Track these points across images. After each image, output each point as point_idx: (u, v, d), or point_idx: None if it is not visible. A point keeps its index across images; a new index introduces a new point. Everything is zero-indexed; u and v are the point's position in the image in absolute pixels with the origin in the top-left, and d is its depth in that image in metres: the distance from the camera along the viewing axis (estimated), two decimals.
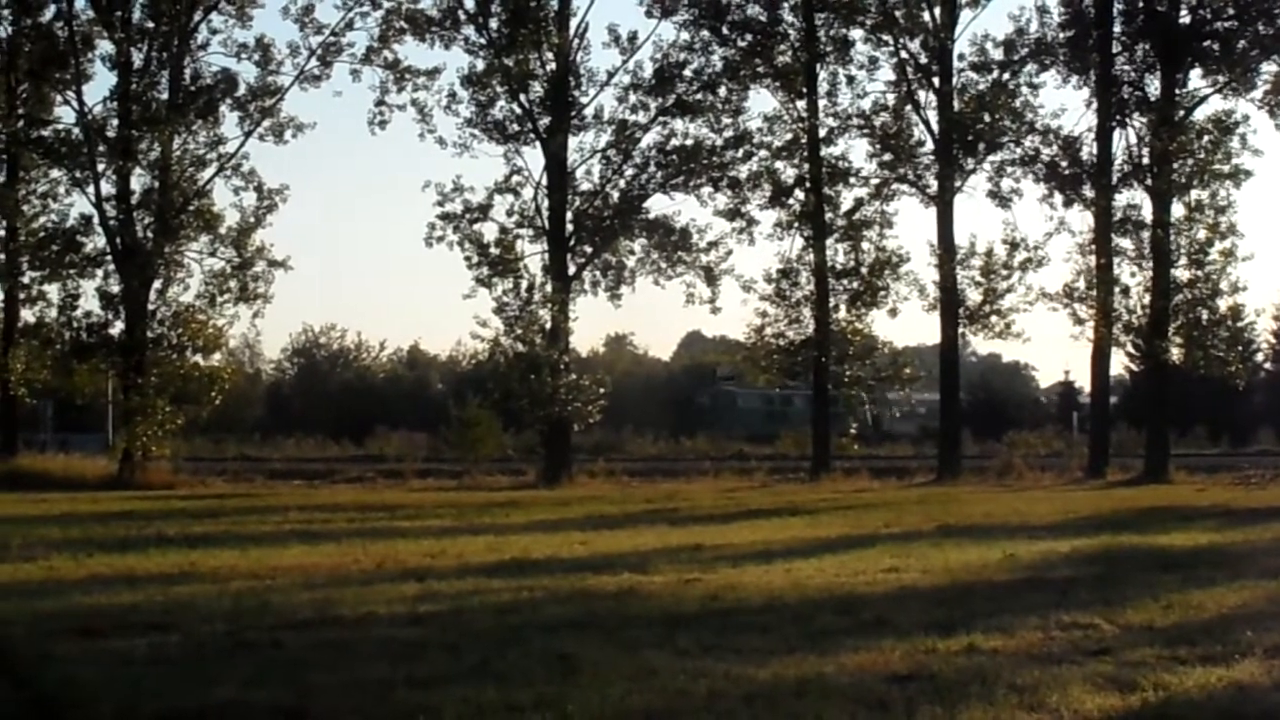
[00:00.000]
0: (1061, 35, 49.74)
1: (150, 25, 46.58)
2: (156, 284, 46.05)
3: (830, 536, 23.66)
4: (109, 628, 12.75)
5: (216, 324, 46.88)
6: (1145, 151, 48.98)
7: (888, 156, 49.95)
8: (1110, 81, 49.02)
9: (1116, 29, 49.88)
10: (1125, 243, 49.34)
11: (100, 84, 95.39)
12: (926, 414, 72.72)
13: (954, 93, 49.34)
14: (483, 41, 47.71)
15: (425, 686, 10.03)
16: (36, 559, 18.90)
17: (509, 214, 47.42)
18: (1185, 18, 49.33)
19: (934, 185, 49.28)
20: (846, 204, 49.98)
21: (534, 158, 48.27)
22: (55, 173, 47.74)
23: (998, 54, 49.55)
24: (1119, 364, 63.96)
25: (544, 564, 18.47)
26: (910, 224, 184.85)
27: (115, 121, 46.62)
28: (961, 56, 49.56)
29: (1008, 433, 63.41)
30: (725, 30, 49.30)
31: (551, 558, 19.37)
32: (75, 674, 10.63)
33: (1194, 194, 48.74)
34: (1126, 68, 49.92)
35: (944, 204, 49.15)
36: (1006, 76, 49.60)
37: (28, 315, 48.54)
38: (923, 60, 49.55)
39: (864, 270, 49.17)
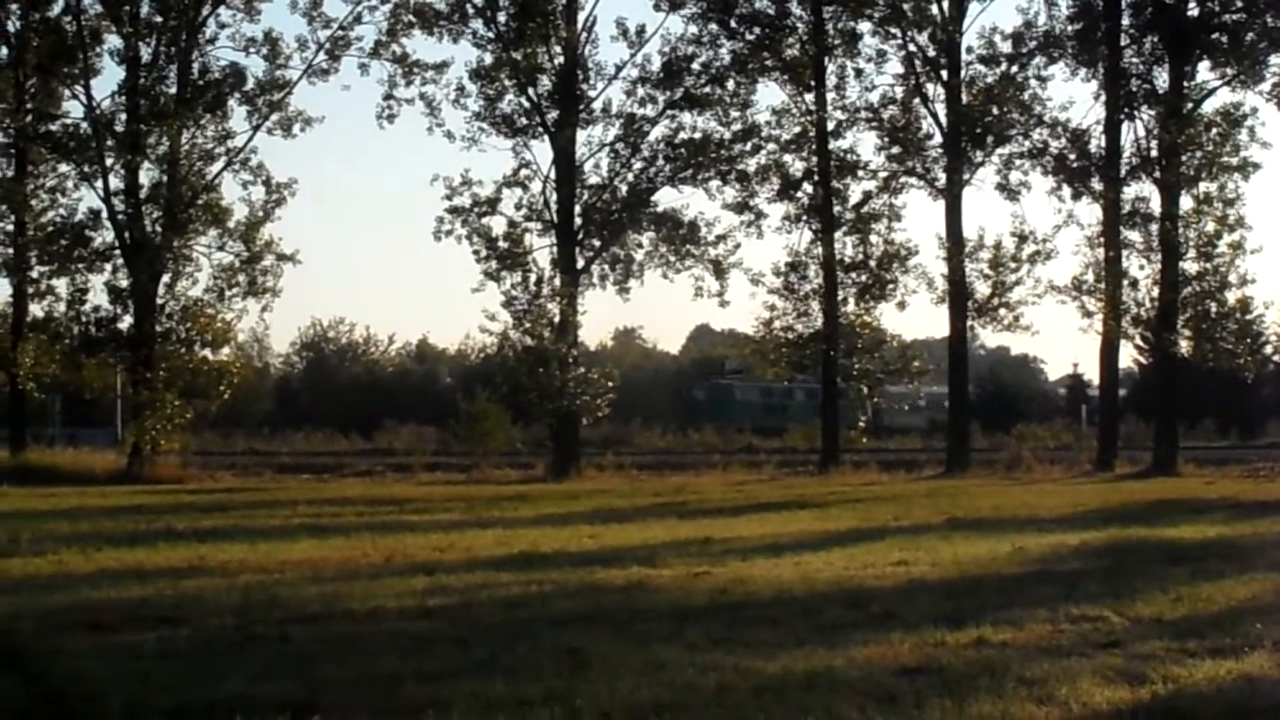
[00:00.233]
0: (1070, 28, 49.72)
1: (159, 20, 46.64)
2: (165, 278, 46.13)
3: (839, 530, 23.66)
4: (118, 622, 12.75)
5: (225, 318, 47.03)
6: (1154, 144, 48.96)
7: (896, 149, 49.99)
8: (1119, 74, 48.95)
9: (1125, 21, 49.84)
10: (1134, 235, 49.38)
11: (109, 78, 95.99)
12: (927, 405, 72.89)
13: (962, 86, 49.30)
14: (491, 35, 47.80)
15: (434, 680, 10.03)
16: (46, 553, 18.89)
17: (517, 208, 47.56)
18: (1194, 10, 49.26)
19: (942, 178, 49.32)
20: (855, 197, 50.12)
21: (542, 151, 48.37)
22: (64, 167, 47.82)
23: (1006, 47, 49.59)
24: (1128, 357, 64.17)
25: (553, 558, 18.46)
26: (919, 217, 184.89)
27: (124, 116, 46.74)
28: (970, 49, 49.67)
29: (1016, 426, 63.47)
30: (733, 23, 49.35)
31: (560, 551, 19.36)
32: (84, 668, 10.63)
33: (1202, 186, 48.71)
34: (1135, 60, 49.89)
35: (952, 197, 49.17)
36: (1015, 69, 49.59)
37: (36, 310, 48.72)
38: (931, 53, 49.57)
39: (872, 263, 49.20)
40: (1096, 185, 49.14)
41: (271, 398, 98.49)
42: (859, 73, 49.69)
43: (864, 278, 49.28)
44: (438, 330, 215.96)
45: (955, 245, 48.69)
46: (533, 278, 46.85)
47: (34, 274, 48.07)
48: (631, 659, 10.81)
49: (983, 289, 48.92)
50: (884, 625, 12.38)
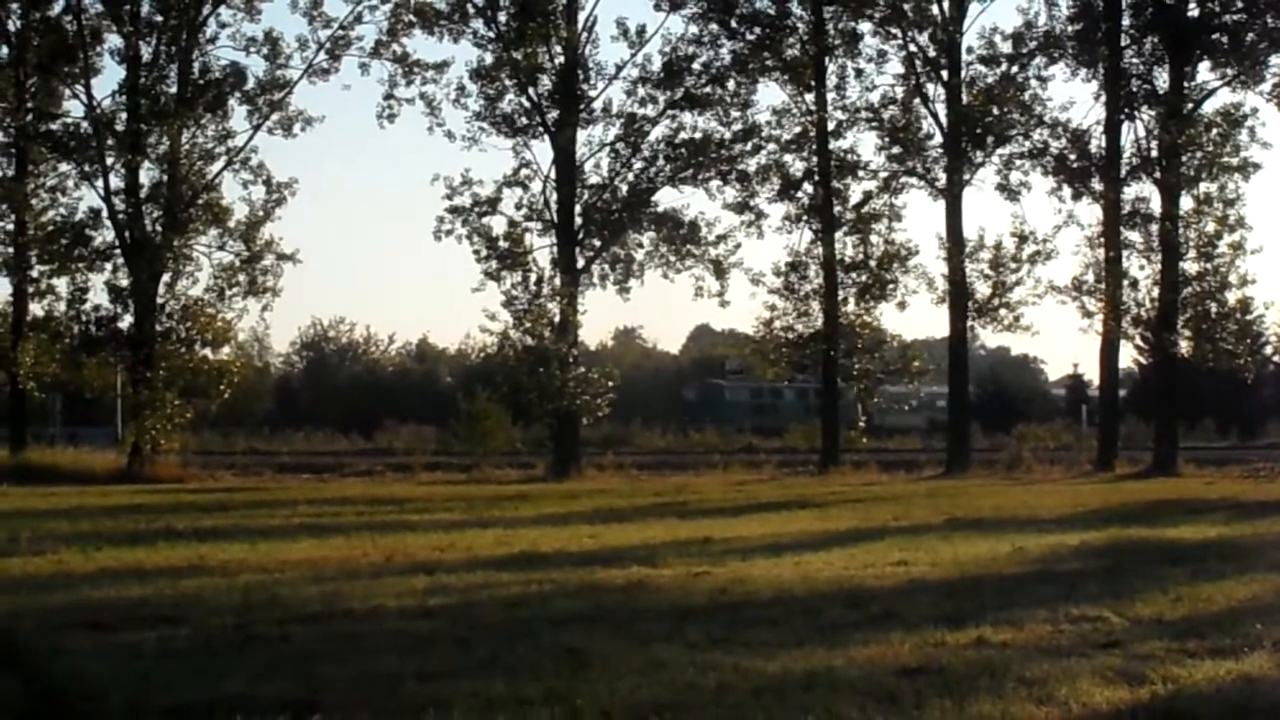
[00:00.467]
0: (1070, 28, 49.75)
1: (159, 19, 46.61)
2: (165, 277, 46.09)
3: (839, 530, 23.67)
4: (118, 621, 12.76)
5: (225, 317, 46.99)
6: (1154, 144, 49.00)
7: (896, 150, 50.00)
8: (1119, 74, 48.98)
9: (1125, 22, 49.87)
10: (1134, 236, 49.43)
11: (109, 78, 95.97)
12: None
13: (962, 86, 49.33)
14: (491, 35, 47.77)
15: (434, 679, 10.04)
16: (46, 552, 18.90)
17: (518, 207, 47.53)
18: (1194, 11, 49.31)
19: (943, 178, 49.34)
20: (855, 197, 50.13)
21: (543, 151, 48.35)
22: (64, 166, 47.80)
23: (1006, 47, 49.66)
24: (1128, 357, 64.20)
25: (553, 557, 18.47)
26: (919, 217, 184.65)
27: (124, 115, 46.70)
28: (970, 49, 49.72)
29: (1016, 426, 63.52)
30: (734, 24, 49.35)
31: (560, 551, 19.37)
32: (84, 667, 10.64)
33: (1203, 187, 48.75)
34: (1135, 61, 49.92)
35: (953, 197, 49.20)
36: (1015, 70, 49.63)
37: (37, 309, 48.67)
38: (931, 53, 49.59)
39: (873, 263, 49.21)
40: (1097, 185, 49.17)
41: (272, 397, 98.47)
42: (859, 73, 49.80)
43: (864, 278, 49.30)
44: (438, 330, 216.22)
45: (955, 245, 48.71)
46: (533, 277, 46.91)
47: (34, 273, 48.08)
48: (631, 659, 10.82)
49: (983, 289, 48.98)
50: (884, 625, 12.39)
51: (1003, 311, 48.83)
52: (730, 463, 50.91)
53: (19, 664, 11.18)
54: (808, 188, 49.58)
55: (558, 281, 46.98)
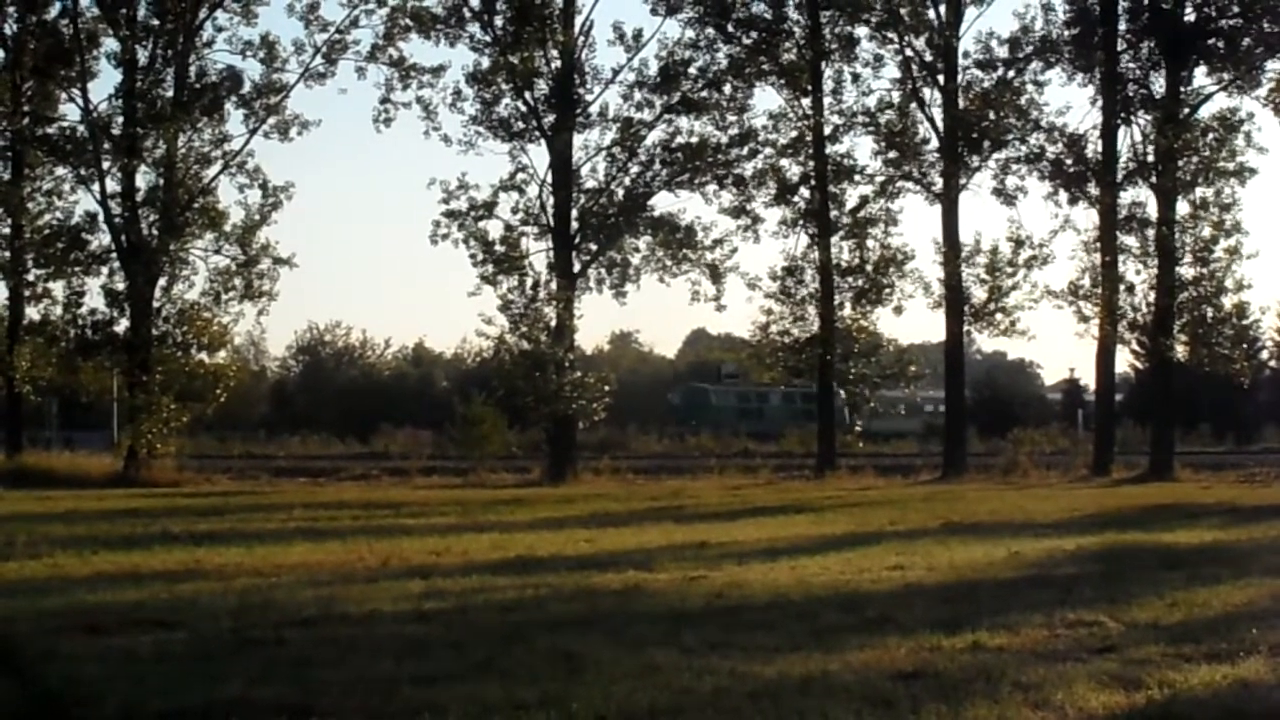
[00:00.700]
0: (1066, 33, 49.75)
1: (155, 23, 46.56)
2: (161, 281, 46.05)
3: (835, 534, 23.68)
4: (114, 625, 12.75)
5: (221, 321, 46.94)
6: (1150, 149, 48.98)
7: (893, 154, 50.00)
8: (1115, 79, 49.00)
9: (1121, 26, 49.91)
10: (1130, 240, 49.39)
11: (105, 81, 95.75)
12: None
13: (959, 90, 49.36)
14: (488, 39, 47.77)
15: (430, 684, 10.03)
16: (42, 556, 18.89)
17: (514, 211, 47.46)
18: (1190, 15, 49.30)
19: (939, 183, 49.34)
20: (851, 201, 50.09)
21: (539, 155, 48.38)
22: (60, 170, 47.81)
23: (1003, 52, 49.67)
24: (1124, 361, 64.28)
25: (549, 561, 18.47)
26: (915, 221, 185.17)
27: (120, 119, 46.65)
28: (966, 54, 49.74)
29: (1013, 430, 63.33)
30: (730, 28, 49.34)
31: (556, 555, 19.37)
32: (80, 671, 10.62)
33: (1199, 191, 48.71)
34: (1131, 65, 49.93)
35: (949, 201, 49.21)
36: (1011, 74, 49.66)
37: (33, 313, 48.62)
38: (928, 58, 49.61)
39: (869, 268, 49.19)
40: (1093, 190, 49.19)
41: (268, 401, 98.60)
42: (856, 77, 49.80)
43: (860, 282, 49.27)
44: (434, 334, 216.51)
45: (952, 250, 48.72)
46: (529, 281, 46.88)
47: (30, 277, 48.05)
48: (627, 663, 10.81)
49: (979, 294, 48.97)
50: (880, 630, 12.39)
51: (999, 316, 48.87)
52: (726, 467, 50.87)
53: (14, 668, 11.17)
54: (804, 192, 49.59)
55: (554, 285, 46.99)
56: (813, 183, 49.44)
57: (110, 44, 47.01)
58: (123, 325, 46.54)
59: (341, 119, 76.86)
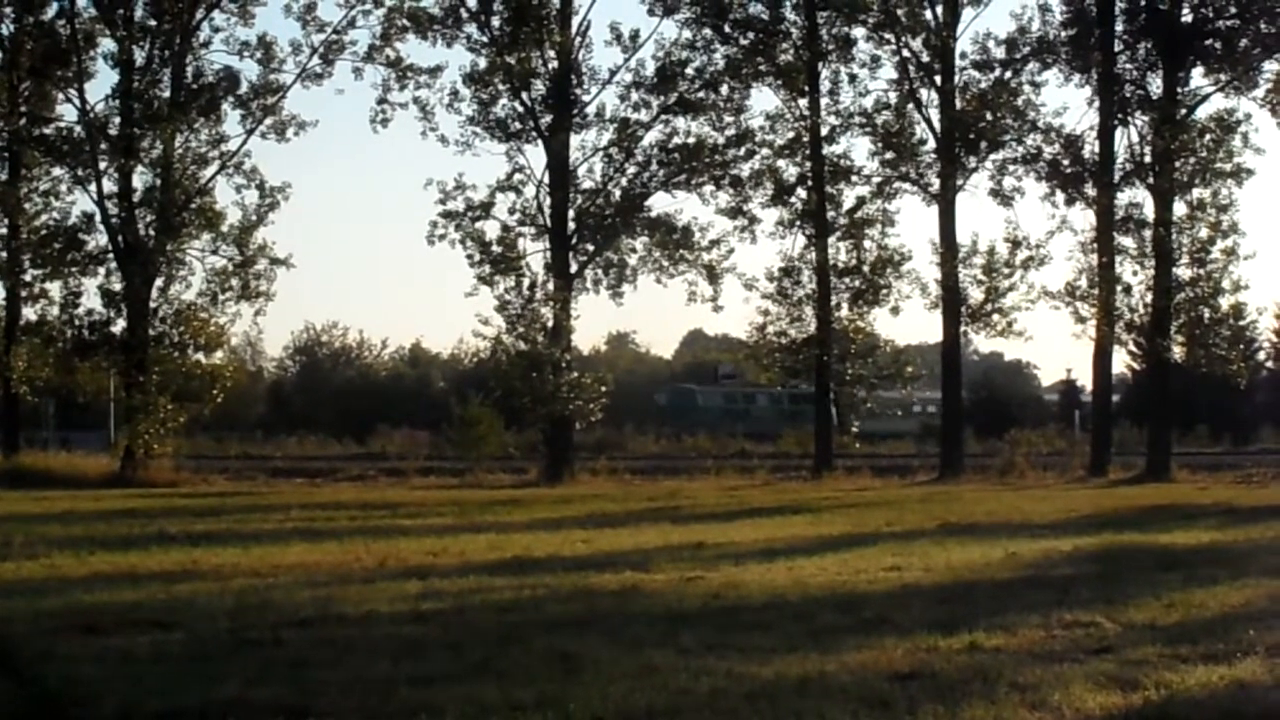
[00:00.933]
0: (1064, 34, 49.75)
1: (153, 23, 46.55)
2: (158, 282, 46.03)
3: (832, 534, 23.68)
4: (111, 625, 12.74)
5: (218, 322, 46.89)
6: (1147, 150, 49.00)
7: (890, 155, 49.95)
8: (1112, 80, 49.02)
9: (1119, 27, 49.92)
10: (1127, 241, 49.38)
11: (102, 82, 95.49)
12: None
13: (956, 91, 49.37)
14: (485, 39, 47.75)
15: (427, 684, 10.03)
16: (39, 557, 18.88)
17: (511, 212, 47.47)
18: (1187, 16, 49.33)
19: (936, 184, 49.30)
20: (848, 202, 50.12)
21: (536, 156, 48.35)
22: (57, 170, 47.77)
23: (1000, 52, 49.68)
24: (1121, 362, 64.27)
25: (546, 562, 18.46)
26: (912, 222, 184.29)
27: (117, 119, 46.62)
28: (963, 55, 49.75)
29: (1010, 431, 63.37)
30: (727, 28, 49.32)
31: (553, 556, 19.37)
32: (77, 672, 10.62)
33: (1196, 192, 48.75)
34: (1129, 66, 49.94)
35: (946, 202, 49.20)
36: (1009, 75, 49.65)
37: (30, 313, 48.58)
38: (925, 59, 49.58)
39: (866, 268, 49.17)
40: (1090, 191, 49.24)
41: (264, 402, 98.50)
42: (853, 78, 49.79)
43: (857, 283, 49.24)
44: (431, 334, 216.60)
45: (949, 251, 48.73)
46: (526, 282, 46.88)
47: (27, 277, 48.04)
48: (624, 663, 10.81)
49: (976, 294, 49.00)
50: (877, 630, 12.39)
51: (996, 317, 48.91)
52: (723, 468, 50.82)
53: (12, 668, 11.16)
54: (801, 193, 49.52)
55: (551, 286, 47.01)
56: (810, 183, 49.39)
57: (107, 44, 47.03)
58: (120, 326, 46.59)
59: (338, 119, 77.25)
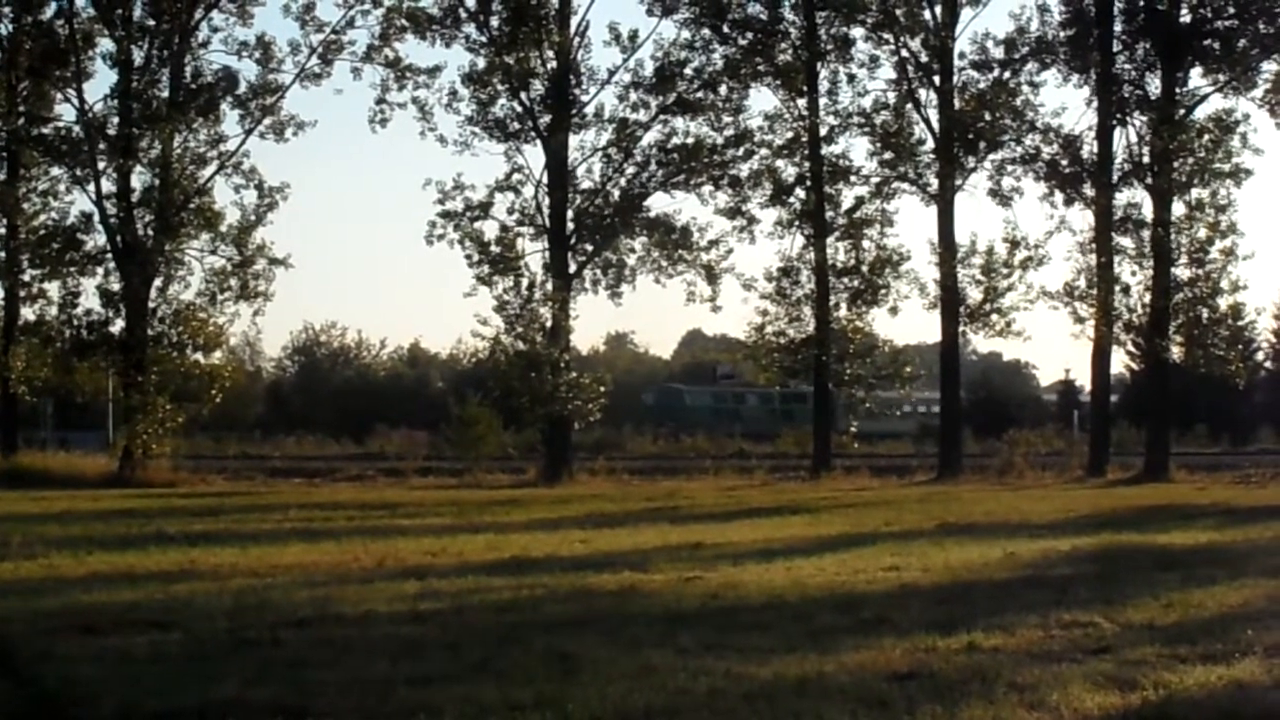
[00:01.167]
0: (1062, 34, 49.74)
1: (151, 23, 46.49)
2: (157, 282, 45.98)
3: (831, 535, 23.68)
4: (109, 625, 12.75)
5: (217, 322, 46.81)
6: (1146, 150, 49.00)
7: (888, 155, 49.94)
8: (1111, 80, 49.02)
9: (1117, 28, 49.93)
10: (1126, 241, 49.41)
11: (101, 81, 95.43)
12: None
13: (955, 91, 49.37)
14: (483, 40, 47.72)
15: (426, 684, 10.03)
16: (37, 557, 18.88)
17: (509, 212, 47.45)
18: (1186, 16, 49.34)
19: (934, 184, 49.29)
20: (847, 202, 50.14)
21: (535, 156, 48.32)
22: (56, 170, 47.70)
23: (998, 52, 49.69)
24: (1119, 363, 64.21)
25: (544, 562, 18.47)
26: (911, 222, 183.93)
27: (116, 119, 46.55)
28: (962, 55, 49.74)
29: (1008, 431, 63.30)
30: (726, 28, 49.32)
31: (552, 556, 19.38)
32: (76, 672, 10.63)
33: (1194, 193, 48.79)
34: (1127, 66, 49.95)
35: (944, 202, 49.18)
36: (1007, 75, 49.66)
37: (28, 313, 48.53)
38: (923, 59, 49.57)
39: (864, 269, 49.18)
40: (1089, 191, 49.25)
41: (263, 402, 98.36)
42: (851, 78, 49.76)
43: (856, 283, 49.26)
44: (430, 334, 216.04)
45: (947, 251, 48.73)
46: (525, 282, 46.84)
47: (26, 277, 47.99)
48: (623, 664, 10.82)
49: (975, 295, 49.03)
50: (875, 630, 12.40)
51: (994, 317, 48.92)
52: (722, 468, 50.85)
53: (10, 668, 11.17)
54: (800, 193, 49.51)
55: (549, 286, 46.97)
56: (808, 183, 49.38)
57: (106, 44, 46.97)
58: (118, 326, 46.52)
59: (337, 119, 77.32)
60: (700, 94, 48.65)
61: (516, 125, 47.66)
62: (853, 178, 50.06)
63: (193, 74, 46.61)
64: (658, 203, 49.18)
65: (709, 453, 62.92)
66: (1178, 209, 49.00)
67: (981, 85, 49.63)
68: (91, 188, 46.22)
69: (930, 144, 49.69)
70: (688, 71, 48.58)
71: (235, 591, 15.31)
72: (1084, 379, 71.92)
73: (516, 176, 47.40)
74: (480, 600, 14.74)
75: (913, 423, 79.86)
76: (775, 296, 49.43)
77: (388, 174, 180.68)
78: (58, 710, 9.78)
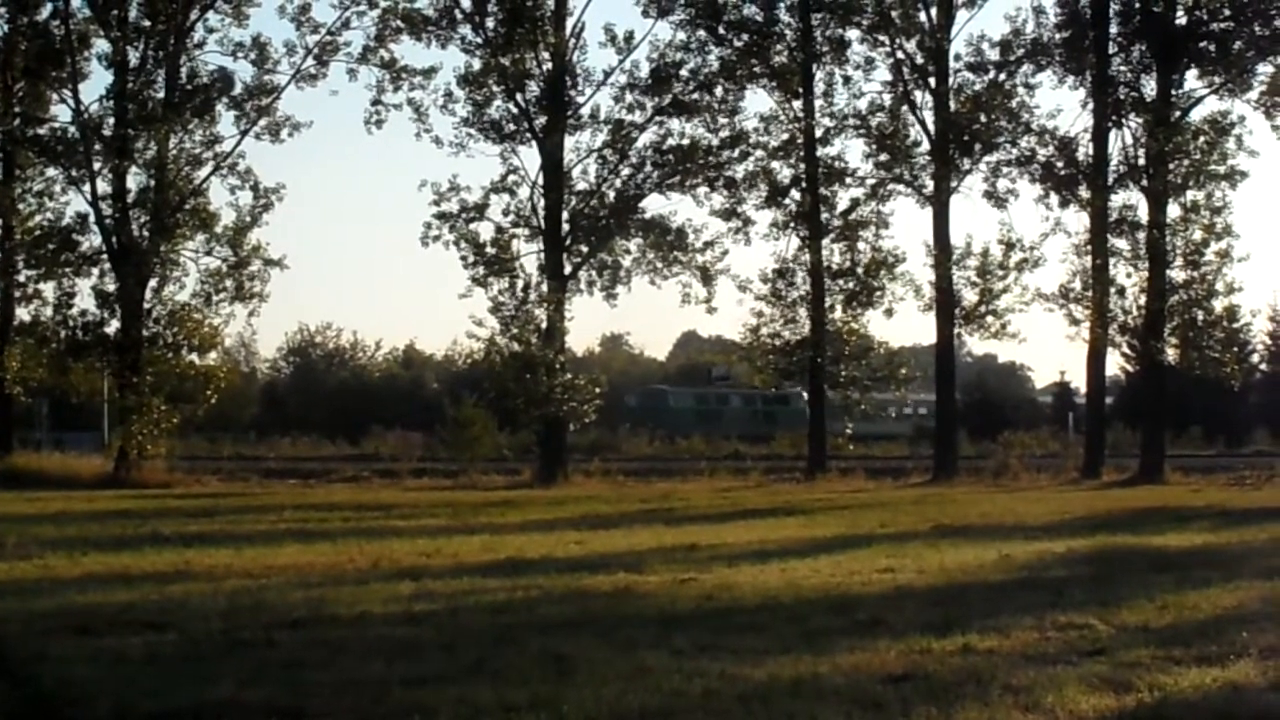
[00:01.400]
0: (1058, 36, 49.76)
1: (147, 24, 46.43)
2: (152, 283, 45.94)
3: (826, 536, 23.66)
4: (104, 626, 12.73)
5: (212, 323, 46.80)
6: (1141, 152, 49.06)
7: (884, 157, 49.99)
8: (1106, 82, 49.03)
9: (1113, 30, 49.92)
10: (1121, 243, 49.48)
11: (97, 82, 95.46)
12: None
13: (950, 93, 49.35)
14: (479, 41, 47.69)
15: (420, 686, 10.03)
16: (32, 557, 18.87)
17: (505, 213, 47.43)
18: (1181, 19, 49.35)
19: (930, 185, 49.36)
20: (843, 204, 50.20)
21: (530, 157, 48.38)
22: (51, 171, 47.58)
23: (994, 54, 49.72)
24: (1115, 364, 64.19)
25: (539, 563, 18.46)
26: (906, 224, 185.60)
27: (111, 120, 46.47)
28: (958, 57, 49.74)
29: (1003, 433, 63.47)
30: (722, 30, 49.30)
31: (547, 557, 19.36)
32: (71, 673, 10.61)
33: (1190, 195, 48.87)
34: (1123, 68, 49.97)
35: (940, 204, 49.20)
36: (1003, 77, 49.67)
37: (23, 314, 48.44)
38: (919, 60, 49.62)
39: (860, 270, 49.24)
40: (1084, 193, 49.24)
41: (258, 403, 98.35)
42: (847, 80, 49.80)
43: (851, 285, 49.32)
44: (425, 336, 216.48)
45: (942, 252, 48.73)
46: (520, 283, 46.81)
47: (21, 278, 47.91)
48: (618, 665, 10.81)
49: (970, 296, 49.08)
50: (870, 632, 12.40)
51: (989, 319, 48.94)
52: (717, 469, 50.88)
53: (5, 669, 11.15)
54: (795, 194, 49.57)
55: (545, 288, 46.90)
56: (804, 185, 49.41)
57: (101, 45, 46.89)
58: (113, 326, 46.44)
59: (333, 120, 77.25)
60: (696, 95, 48.67)
61: (512, 126, 47.68)
62: (848, 179, 50.16)
63: (188, 75, 46.56)
64: (653, 204, 49.31)
65: (704, 454, 62.92)
66: (1173, 211, 49.11)
67: (977, 87, 49.69)
68: (87, 188, 46.19)
69: (925, 146, 49.77)
70: (683, 73, 48.66)
71: (230, 592, 15.30)
72: (1079, 381, 72.01)
73: (512, 178, 47.48)
74: (475, 601, 14.73)
75: (908, 424, 79.95)
76: (770, 298, 49.47)
77: (383, 175, 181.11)
78: (53, 711, 9.77)
